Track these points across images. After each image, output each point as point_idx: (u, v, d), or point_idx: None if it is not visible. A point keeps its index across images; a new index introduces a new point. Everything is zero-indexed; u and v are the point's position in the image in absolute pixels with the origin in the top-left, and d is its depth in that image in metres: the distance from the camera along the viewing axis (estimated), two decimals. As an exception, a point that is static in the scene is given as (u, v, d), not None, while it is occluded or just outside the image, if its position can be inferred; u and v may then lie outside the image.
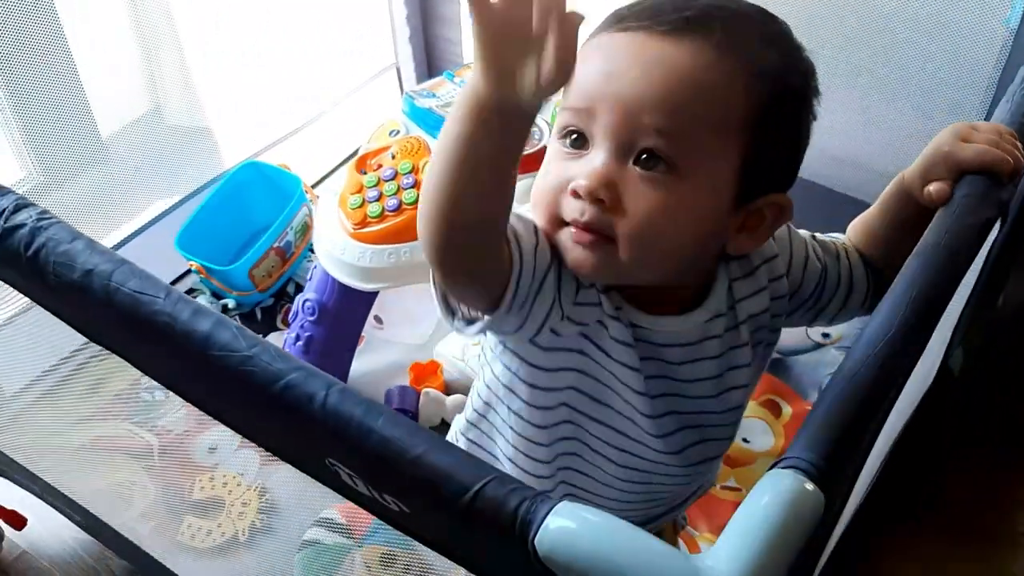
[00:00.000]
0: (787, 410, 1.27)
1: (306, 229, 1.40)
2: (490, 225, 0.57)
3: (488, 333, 0.67)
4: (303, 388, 0.49)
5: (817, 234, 0.75)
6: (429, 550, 0.54)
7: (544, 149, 1.10)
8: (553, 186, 0.61)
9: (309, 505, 1.14)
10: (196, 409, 1.23)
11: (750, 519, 0.43)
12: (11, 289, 0.63)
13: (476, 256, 0.58)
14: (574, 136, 0.61)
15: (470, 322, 0.63)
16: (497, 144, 0.54)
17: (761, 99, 0.60)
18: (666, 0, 0.61)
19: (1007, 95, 0.67)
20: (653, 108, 0.58)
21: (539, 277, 0.61)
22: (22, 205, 0.58)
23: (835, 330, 1.35)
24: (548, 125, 1.15)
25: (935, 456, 1.30)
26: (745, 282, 0.68)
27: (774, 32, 0.63)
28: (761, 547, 0.41)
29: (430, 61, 1.67)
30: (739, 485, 1.18)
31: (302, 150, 1.50)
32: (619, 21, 0.62)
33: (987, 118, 1.11)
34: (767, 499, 0.43)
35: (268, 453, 0.58)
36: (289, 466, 1.17)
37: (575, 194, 0.60)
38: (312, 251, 1.40)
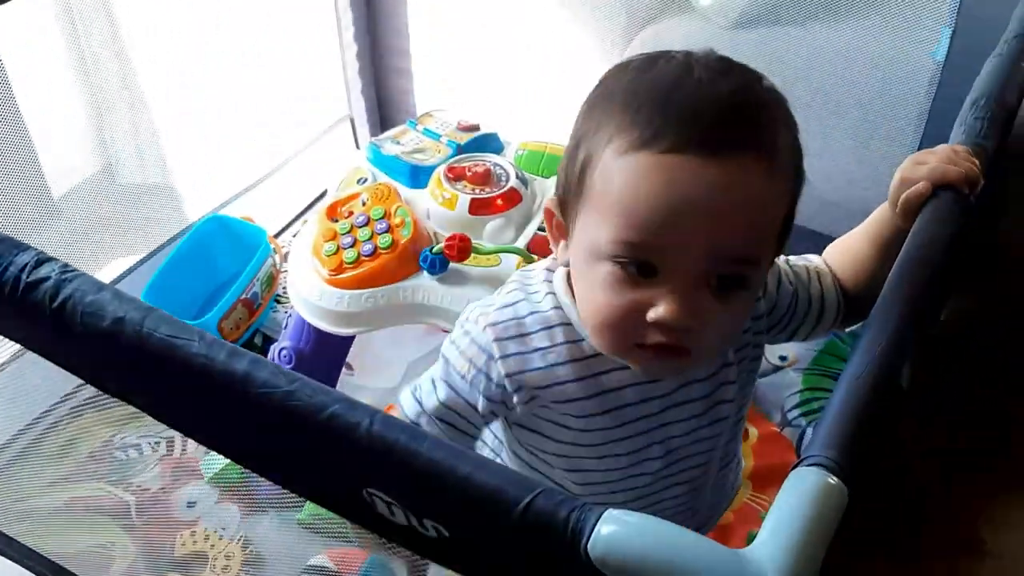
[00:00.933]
0: (754, 432, 1.31)
1: (272, 280, 1.41)
2: None
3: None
4: (347, 417, 0.50)
5: (791, 258, 0.80)
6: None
7: (511, 191, 1.15)
8: (625, 315, 0.63)
9: (294, 554, 1.14)
10: (172, 465, 1.22)
11: (783, 514, 0.46)
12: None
13: None
14: (641, 266, 0.62)
15: None
16: None
17: (795, 189, 0.65)
18: (696, 108, 0.60)
19: (959, 119, 0.73)
20: (732, 239, 0.61)
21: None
22: (43, 260, 0.59)
23: (792, 353, 1.41)
24: (513, 167, 1.19)
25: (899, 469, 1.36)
26: None
27: (785, 110, 0.66)
28: (798, 539, 0.44)
29: (383, 112, 1.70)
30: (714, 507, 1.22)
31: (263, 202, 1.52)
32: (656, 139, 0.60)
33: (921, 146, 1.19)
34: (796, 496, 0.47)
35: (298, 496, 0.59)
36: (271, 515, 1.16)
37: (659, 324, 0.62)
38: (279, 301, 1.42)
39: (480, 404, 0.72)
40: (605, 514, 0.45)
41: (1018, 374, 1.46)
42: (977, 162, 0.68)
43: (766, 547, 0.44)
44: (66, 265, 0.59)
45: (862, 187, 1.25)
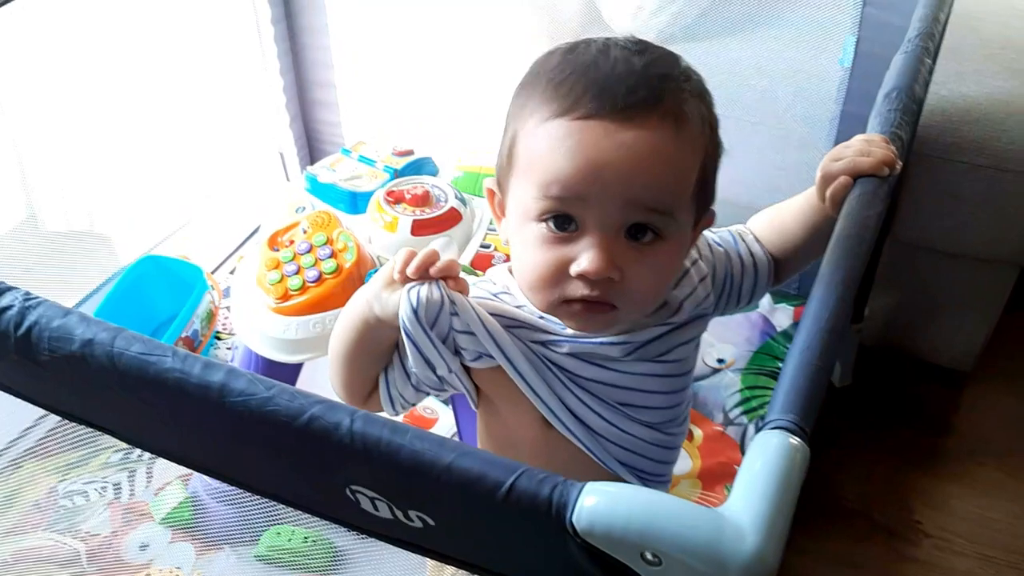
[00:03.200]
0: (698, 433, 1.35)
1: (211, 317, 1.40)
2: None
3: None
4: (327, 418, 0.51)
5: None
6: None
7: (451, 211, 1.17)
8: (551, 270, 0.69)
9: (253, 587, 1.13)
10: (121, 509, 1.20)
11: (752, 474, 0.49)
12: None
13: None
14: (562, 221, 0.68)
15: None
16: (369, 338, 0.74)
17: (706, 151, 0.70)
18: (609, 80, 0.66)
19: (874, 111, 0.78)
20: (644, 192, 0.66)
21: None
22: (4, 289, 0.59)
23: (729, 356, 1.45)
24: (451, 187, 1.22)
25: (828, 461, 1.42)
26: (682, 284, 0.77)
27: (697, 83, 0.72)
28: (769, 495, 0.47)
29: (311, 144, 1.71)
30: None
31: (197, 239, 1.51)
32: (573, 108, 0.66)
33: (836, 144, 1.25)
34: (763, 457, 0.49)
35: (284, 505, 0.60)
36: (227, 551, 1.15)
37: (583, 277, 0.67)
38: (219, 338, 1.41)
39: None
40: (587, 487, 0.47)
41: (947, 361, 1.54)
42: (894, 148, 0.73)
43: (741, 504, 0.47)
44: (28, 293, 0.59)
45: (783, 192, 1.31)
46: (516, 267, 0.74)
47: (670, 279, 0.75)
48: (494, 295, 0.78)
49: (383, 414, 0.76)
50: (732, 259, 0.83)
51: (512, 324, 0.74)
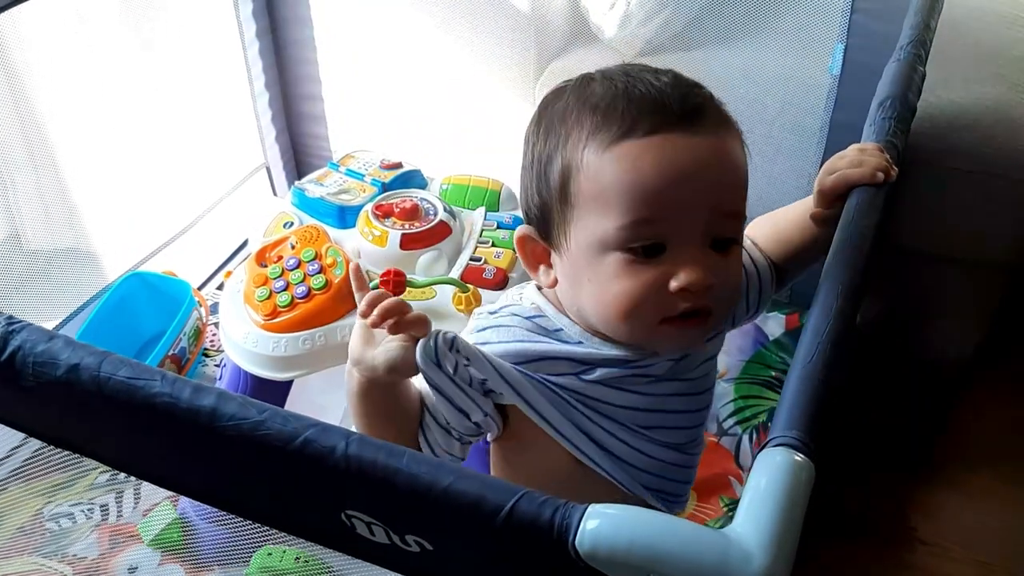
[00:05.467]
0: (692, 444, 1.34)
1: (199, 333, 1.38)
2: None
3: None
4: (322, 442, 0.50)
5: None
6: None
7: (440, 224, 1.16)
8: (648, 293, 0.67)
9: (244, 610, 1.11)
10: (109, 531, 1.18)
11: (757, 493, 0.48)
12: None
13: None
14: (647, 246, 0.67)
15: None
16: (380, 400, 0.72)
17: (745, 152, 0.71)
18: (655, 94, 0.66)
19: (868, 120, 0.78)
20: (726, 198, 0.67)
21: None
22: (-14, 313, 0.57)
23: (722, 366, 1.44)
24: (440, 200, 1.21)
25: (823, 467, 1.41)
26: None
27: (712, 94, 0.72)
28: (775, 515, 0.46)
29: (298, 158, 1.70)
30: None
31: (184, 255, 1.49)
32: (635, 126, 0.65)
33: (824, 156, 1.25)
34: (767, 475, 0.48)
35: (275, 530, 0.58)
36: (218, 573, 1.13)
37: (684, 291, 0.66)
38: (206, 355, 1.39)
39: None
40: (589, 509, 0.46)
41: (942, 369, 1.54)
42: (888, 156, 0.72)
43: (746, 525, 0.46)
44: (11, 317, 0.58)
45: (773, 200, 1.31)
46: (597, 302, 0.70)
47: (741, 279, 0.75)
48: (528, 318, 0.76)
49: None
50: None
51: (535, 358, 0.73)
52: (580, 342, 0.73)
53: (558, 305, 0.76)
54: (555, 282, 0.74)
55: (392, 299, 0.69)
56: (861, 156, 0.74)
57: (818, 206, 0.76)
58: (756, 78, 1.35)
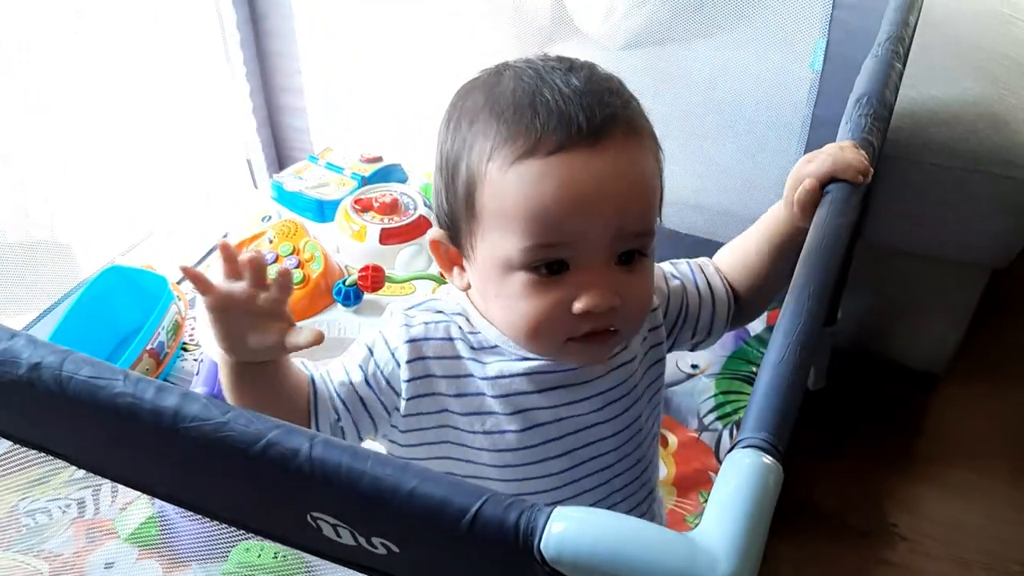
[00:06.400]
0: (672, 440, 1.34)
1: (177, 328, 1.37)
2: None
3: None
4: (286, 444, 0.50)
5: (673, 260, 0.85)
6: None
7: (420, 219, 1.15)
8: (551, 314, 0.66)
9: (222, 606, 1.10)
10: (85, 526, 1.17)
11: (724, 496, 0.47)
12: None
13: None
14: (553, 264, 0.65)
15: None
16: (259, 383, 0.68)
17: (658, 157, 0.69)
18: (561, 105, 0.63)
19: (845, 117, 0.77)
20: (633, 217, 0.65)
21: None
22: (-54, 312, 0.57)
23: (703, 361, 1.44)
24: (420, 195, 1.20)
25: (801, 465, 1.41)
26: None
27: (629, 94, 0.69)
28: (742, 518, 0.46)
29: (279, 150, 1.69)
30: (642, 515, 1.24)
31: (163, 249, 1.48)
32: (539, 144, 0.62)
33: (806, 151, 1.25)
34: (735, 477, 0.48)
35: (242, 531, 0.58)
36: (195, 569, 1.12)
37: (587, 314, 0.65)
38: (185, 349, 1.38)
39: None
40: (555, 512, 0.46)
41: (920, 364, 1.54)
42: (865, 154, 0.72)
43: (713, 529, 0.45)
44: (-28, 315, 0.57)
45: (755, 197, 1.31)
46: (503, 319, 0.70)
47: (652, 289, 0.74)
48: (451, 318, 0.74)
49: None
50: (688, 291, 0.82)
51: (444, 375, 0.72)
52: (495, 346, 0.73)
53: (480, 307, 0.74)
54: (468, 285, 0.72)
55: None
56: (840, 152, 0.74)
57: (788, 202, 0.74)
58: (738, 73, 1.35)
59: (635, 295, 0.68)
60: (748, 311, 0.86)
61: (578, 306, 0.65)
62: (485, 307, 0.72)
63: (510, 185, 0.63)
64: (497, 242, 0.66)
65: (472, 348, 0.73)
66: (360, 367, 0.73)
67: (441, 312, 0.74)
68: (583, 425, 0.76)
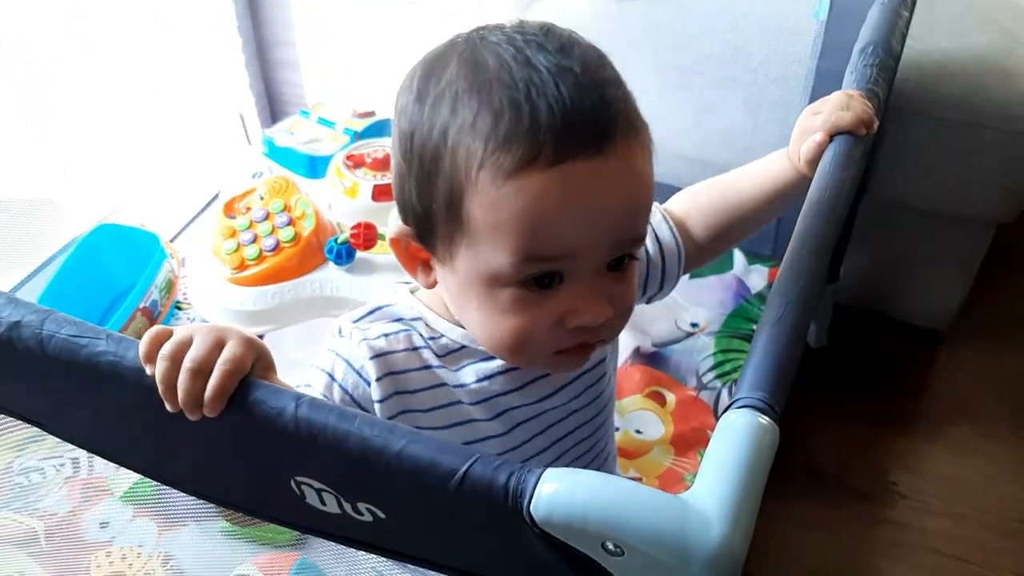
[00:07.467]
0: (671, 398, 1.33)
1: (170, 286, 1.35)
2: None
3: None
4: (270, 403, 0.48)
5: None
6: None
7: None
8: (542, 330, 0.62)
9: (219, 565, 1.10)
10: (80, 485, 1.17)
11: (719, 457, 0.46)
12: None
13: None
14: (546, 278, 0.60)
15: None
16: None
17: (652, 155, 0.63)
18: (560, 104, 0.56)
19: (850, 67, 0.75)
20: (631, 225, 0.60)
21: None
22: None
23: (703, 319, 1.43)
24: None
25: (801, 424, 1.40)
26: None
27: (621, 80, 0.62)
28: (736, 480, 0.45)
29: (272, 105, 1.66)
30: (639, 475, 1.23)
31: (155, 207, 1.46)
32: (538, 157, 0.56)
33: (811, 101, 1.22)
34: (730, 437, 0.47)
35: (219, 506, 0.57)
36: (191, 527, 1.12)
37: (583, 328, 0.61)
38: (179, 307, 1.37)
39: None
40: (545, 473, 0.45)
41: (923, 321, 1.53)
42: (871, 105, 0.70)
43: (706, 490, 0.44)
44: (-52, 275, 0.55)
45: (757, 150, 1.29)
46: (484, 332, 0.64)
47: (636, 294, 0.71)
48: (409, 324, 0.69)
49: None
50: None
51: (415, 389, 0.69)
52: (462, 347, 0.69)
53: (437, 308, 0.70)
54: (434, 283, 0.67)
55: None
56: (848, 101, 0.71)
57: (795, 152, 0.72)
58: (741, 24, 1.32)
59: (625, 304, 0.64)
60: (710, 254, 0.82)
61: (576, 322, 0.61)
62: (458, 313, 0.67)
63: (506, 198, 0.57)
64: (486, 255, 0.59)
65: (438, 355, 0.68)
66: (323, 396, 0.68)
67: (399, 320, 0.69)
68: (564, 414, 0.74)
